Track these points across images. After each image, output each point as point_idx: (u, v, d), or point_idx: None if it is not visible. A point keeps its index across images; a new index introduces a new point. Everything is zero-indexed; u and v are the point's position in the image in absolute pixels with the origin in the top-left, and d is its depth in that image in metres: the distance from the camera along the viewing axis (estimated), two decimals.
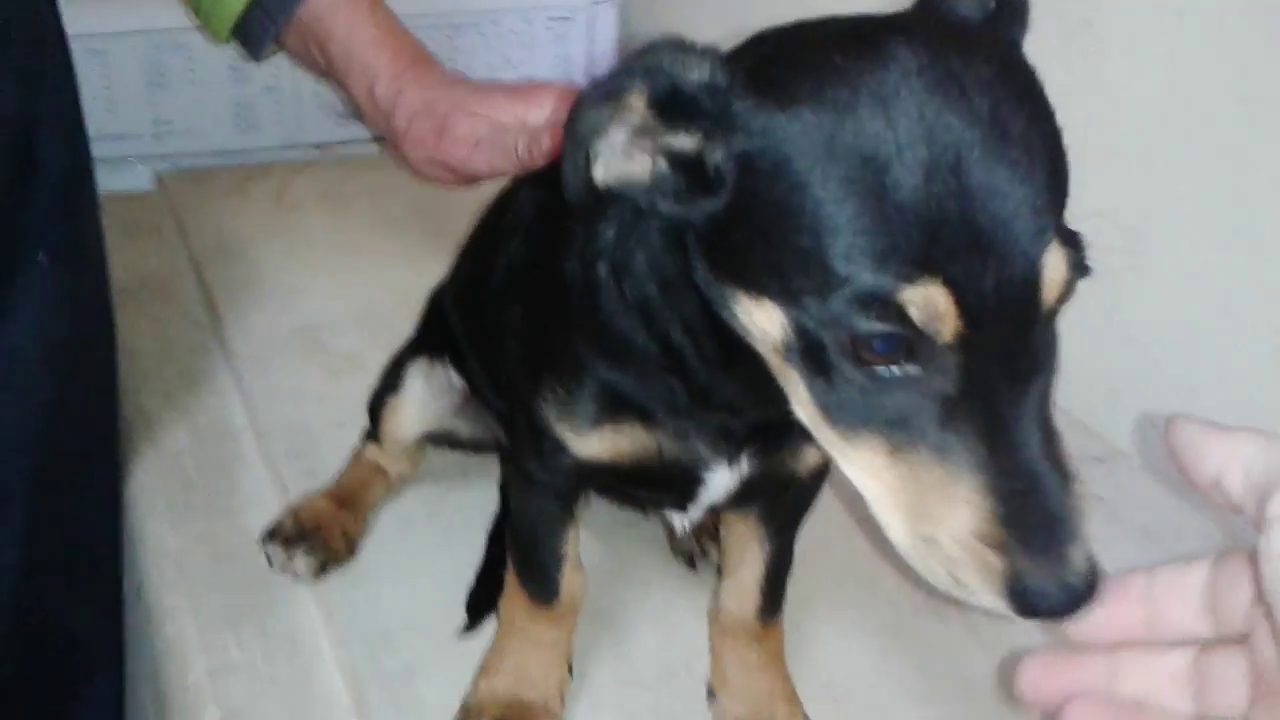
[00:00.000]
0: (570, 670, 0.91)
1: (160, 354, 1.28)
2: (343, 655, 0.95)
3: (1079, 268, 0.52)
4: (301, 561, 0.99)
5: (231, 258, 1.44)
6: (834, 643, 0.98)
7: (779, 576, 0.87)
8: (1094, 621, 0.51)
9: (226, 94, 1.77)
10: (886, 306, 0.49)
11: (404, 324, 1.12)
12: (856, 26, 0.56)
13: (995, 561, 0.50)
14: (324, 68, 1.13)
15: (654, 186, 0.57)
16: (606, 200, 0.59)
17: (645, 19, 1.88)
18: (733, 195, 0.54)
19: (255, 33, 1.12)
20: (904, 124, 0.50)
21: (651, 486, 0.82)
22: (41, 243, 0.93)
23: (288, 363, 1.27)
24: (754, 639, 0.88)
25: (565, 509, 0.83)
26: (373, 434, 1.08)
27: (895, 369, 0.51)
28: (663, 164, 0.57)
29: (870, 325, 0.50)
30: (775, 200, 0.52)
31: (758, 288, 0.55)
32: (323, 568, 1.00)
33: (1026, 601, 0.50)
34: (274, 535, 1.01)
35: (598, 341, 0.70)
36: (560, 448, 0.75)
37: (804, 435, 0.58)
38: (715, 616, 0.91)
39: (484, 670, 0.90)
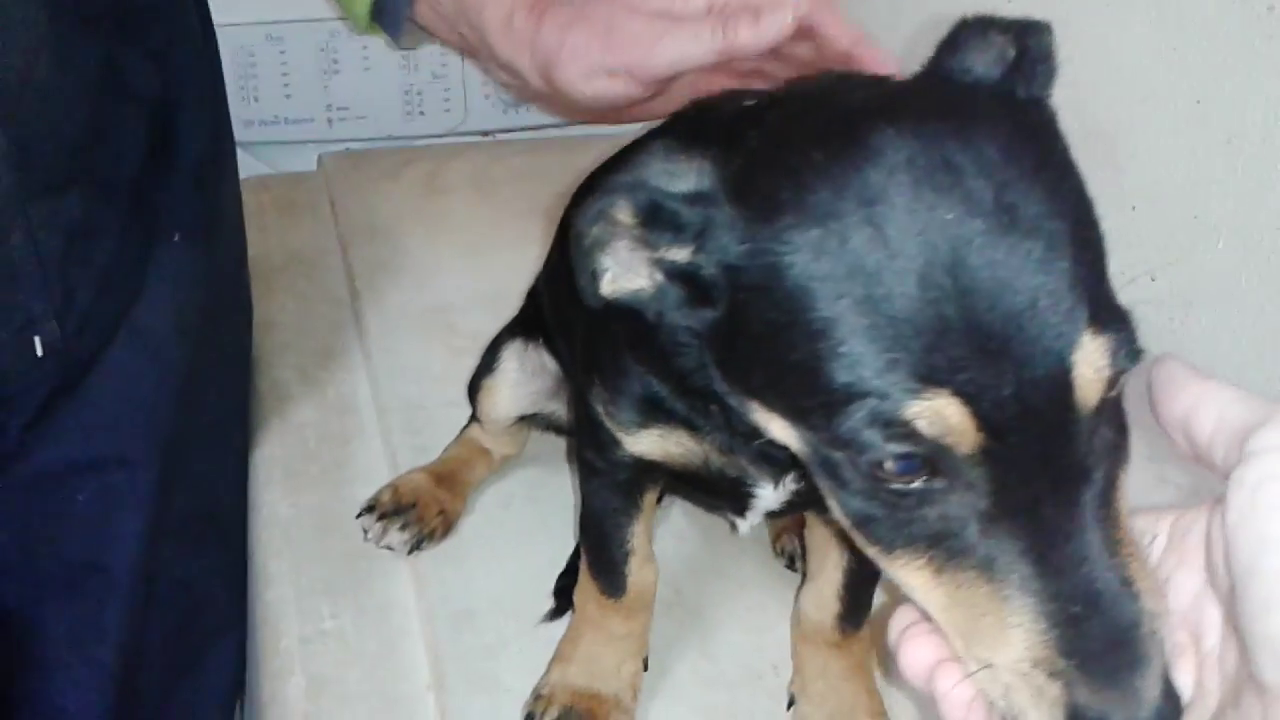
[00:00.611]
0: (646, 665, 0.88)
1: (299, 329, 1.31)
2: (428, 631, 0.95)
3: (1127, 354, 0.45)
4: (395, 536, 1.00)
5: (376, 238, 1.47)
6: None
7: (860, 585, 0.81)
8: None
9: (396, 81, 1.81)
10: (894, 425, 0.45)
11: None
12: (845, 114, 0.50)
13: (1054, 692, 0.43)
14: (460, 30, 1.10)
15: (657, 297, 0.54)
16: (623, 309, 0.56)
17: None
18: (728, 307, 0.51)
19: (390, 7, 1.11)
20: (893, 226, 0.45)
21: (705, 490, 0.78)
22: (177, 222, 0.96)
23: (415, 340, 1.28)
24: (835, 646, 0.83)
25: (630, 502, 0.80)
26: (473, 409, 1.07)
27: (921, 484, 0.45)
28: (660, 276, 0.54)
29: (880, 447, 0.45)
30: (767, 316, 0.49)
31: (766, 403, 0.50)
32: (418, 544, 1.01)
33: None
34: (372, 509, 1.02)
35: (642, 352, 0.67)
36: (615, 441, 0.73)
37: None
38: (797, 621, 0.86)
39: (558, 658, 0.88)
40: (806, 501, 0.73)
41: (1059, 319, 0.44)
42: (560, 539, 1.02)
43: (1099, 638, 0.43)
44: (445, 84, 1.81)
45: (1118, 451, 0.47)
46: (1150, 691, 0.43)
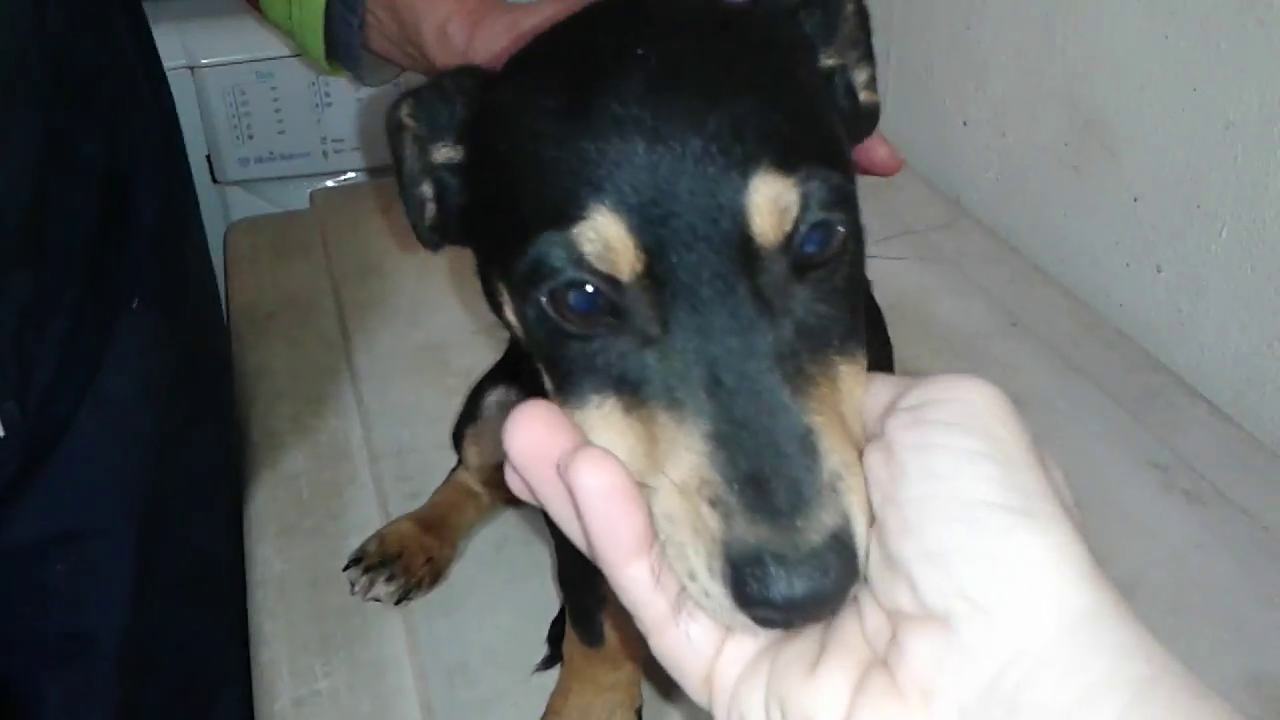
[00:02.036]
0: (640, 715, 0.87)
1: (293, 375, 1.31)
2: (422, 687, 0.93)
3: (826, 206, 0.45)
4: (382, 588, 0.99)
5: (369, 275, 1.46)
6: None
7: None
8: None
9: None
10: (562, 249, 0.45)
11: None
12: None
13: (713, 525, 0.42)
14: (407, 50, 1.10)
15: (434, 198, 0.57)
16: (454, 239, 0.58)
17: None
18: (468, 187, 0.54)
19: (343, 37, 1.10)
20: (576, 74, 0.48)
21: None
22: (135, 289, 0.95)
23: (408, 381, 1.27)
24: None
25: None
26: (458, 457, 1.06)
27: (601, 326, 0.46)
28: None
29: (554, 277, 0.45)
30: (485, 179, 0.52)
31: (499, 276, 0.50)
32: (406, 594, 0.99)
33: (744, 580, 0.41)
34: (358, 561, 1.01)
35: None
36: None
37: None
38: None
39: (549, 712, 0.87)
40: None
41: (736, 157, 0.44)
42: (553, 583, 1.00)
43: (767, 476, 0.42)
44: None
45: (835, 329, 0.46)
46: (811, 535, 0.41)
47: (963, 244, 1.49)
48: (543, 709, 0.89)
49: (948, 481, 0.40)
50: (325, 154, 1.84)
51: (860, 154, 0.84)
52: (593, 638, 0.81)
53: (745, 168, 0.44)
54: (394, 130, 0.56)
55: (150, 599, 1.00)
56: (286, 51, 1.76)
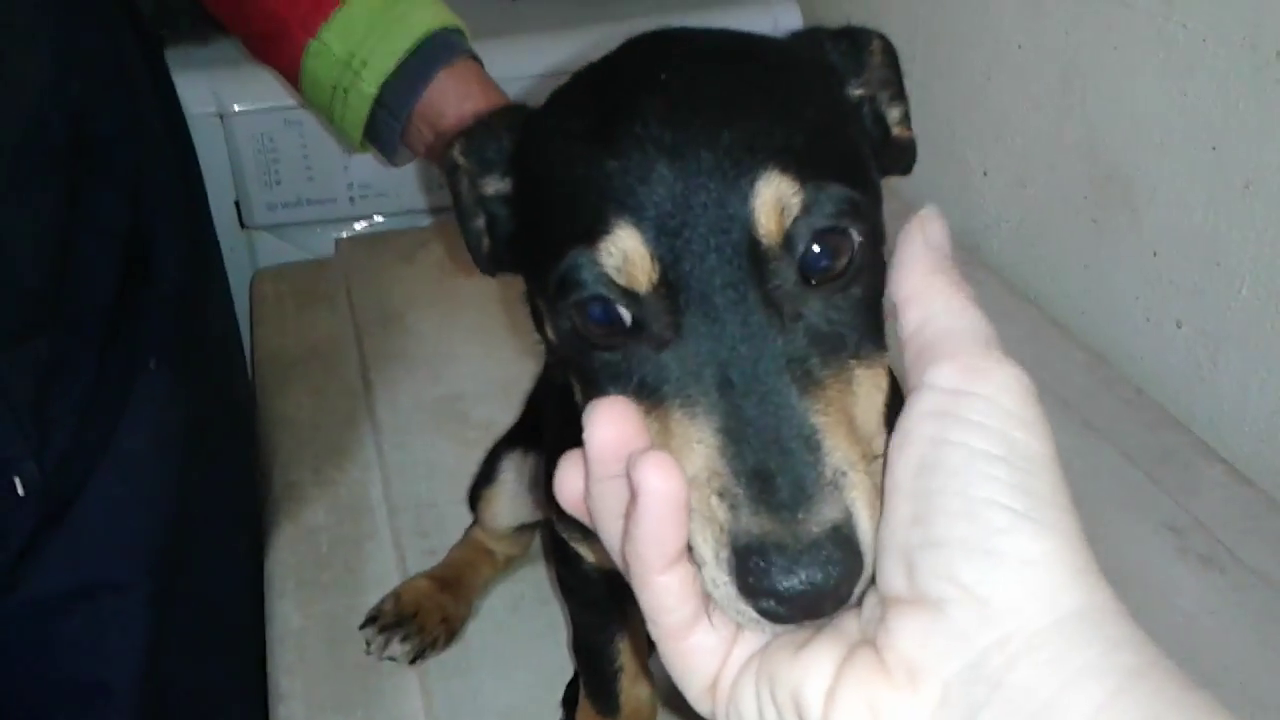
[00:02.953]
0: None
1: (315, 426, 1.32)
2: None
3: (830, 212, 0.47)
4: (397, 648, 1.00)
5: (391, 326, 1.48)
6: None
7: None
8: None
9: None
10: (589, 269, 0.47)
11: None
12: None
13: (721, 516, 0.43)
14: (439, 152, 1.14)
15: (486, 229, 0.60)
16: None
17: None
18: (514, 218, 0.57)
19: (384, 134, 1.13)
20: (604, 100, 0.51)
21: None
22: (154, 350, 0.97)
23: (427, 433, 1.29)
24: None
25: (609, 620, 0.79)
26: (474, 516, 1.07)
27: (621, 336, 0.48)
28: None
29: (578, 291, 0.48)
30: (527, 205, 0.55)
31: (539, 294, 0.53)
32: (420, 653, 1.00)
33: (749, 572, 0.42)
34: (374, 620, 1.02)
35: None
36: (577, 555, 0.72)
37: None
38: None
39: None
40: None
41: (745, 167, 0.47)
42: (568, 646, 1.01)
43: (772, 471, 0.43)
44: None
45: (851, 336, 0.48)
46: (811, 526, 0.42)
47: (980, 294, 1.48)
48: None
49: (959, 478, 0.41)
50: (351, 199, 1.86)
51: None
52: (609, 709, 0.82)
53: (753, 174, 0.46)
54: (450, 170, 0.60)
55: (166, 649, 1.01)
56: None
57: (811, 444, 0.44)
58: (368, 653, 1.01)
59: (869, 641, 0.42)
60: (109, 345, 0.91)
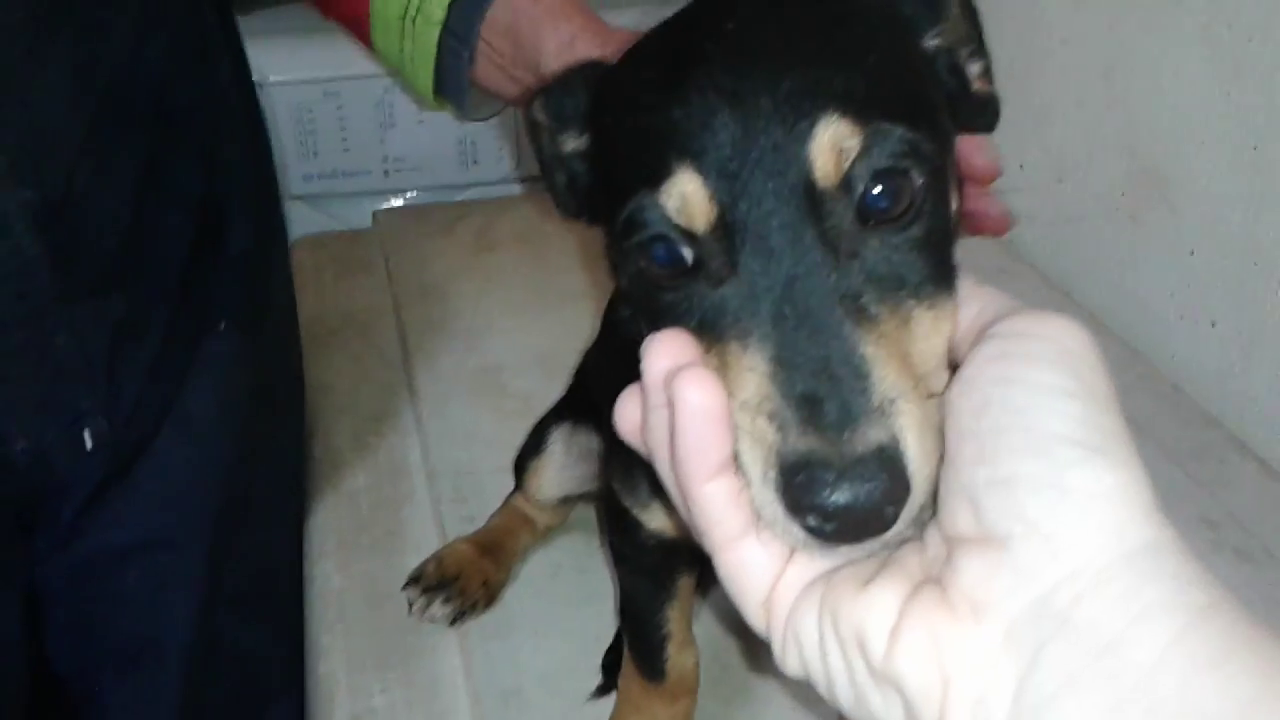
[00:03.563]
0: None
1: (354, 392, 1.34)
2: (477, 710, 0.95)
3: (892, 153, 0.48)
4: (439, 609, 1.01)
5: (429, 296, 1.49)
6: None
7: None
8: None
9: (451, 132, 1.84)
10: (652, 211, 0.49)
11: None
12: None
13: (770, 438, 0.45)
14: (515, 75, 1.12)
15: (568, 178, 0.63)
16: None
17: None
18: (590, 159, 0.60)
19: (452, 70, 1.12)
20: (673, 51, 0.52)
21: None
22: (223, 312, 0.99)
23: (466, 403, 1.30)
24: None
25: (660, 586, 0.80)
26: (518, 485, 1.08)
27: (682, 277, 0.49)
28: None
29: (642, 232, 0.50)
30: (604, 149, 0.57)
31: (612, 243, 0.54)
32: (460, 615, 1.02)
33: (794, 489, 0.43)
34: (416, 581, 1.04)
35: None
36: (638, 524, 0.74)
37: None
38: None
39: None
40: None
41: (804, 110, 0.48)
42: (608, 610, 1.02)
43: (821, 396, 0.44)
44: (498, 133, 1.84)
45: (911, 277, 0.48)
46: (856, 446, 0.43)
47: (1016, 289, 1.49)
48: None
49: (1026, 415, 0.41)
50: (386, 173, 1.87)
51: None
52: (655, 673, 0.83)
53: (811, 118, 0.47)
54: (532, 127, 0.62)
55: (217, 608, 1.03)
56: (354, 72, 1.80)
57: (861, 372, 0.45)
58: (410, 613, 1.03)
59: (934, 580, 0.43)
60: (180, 306, 0.93)
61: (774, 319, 0.46)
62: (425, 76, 1.08)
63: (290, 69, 1.79)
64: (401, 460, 1.24)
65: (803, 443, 0.43)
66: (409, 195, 1.90)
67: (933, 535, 0.45)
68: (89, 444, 0.87)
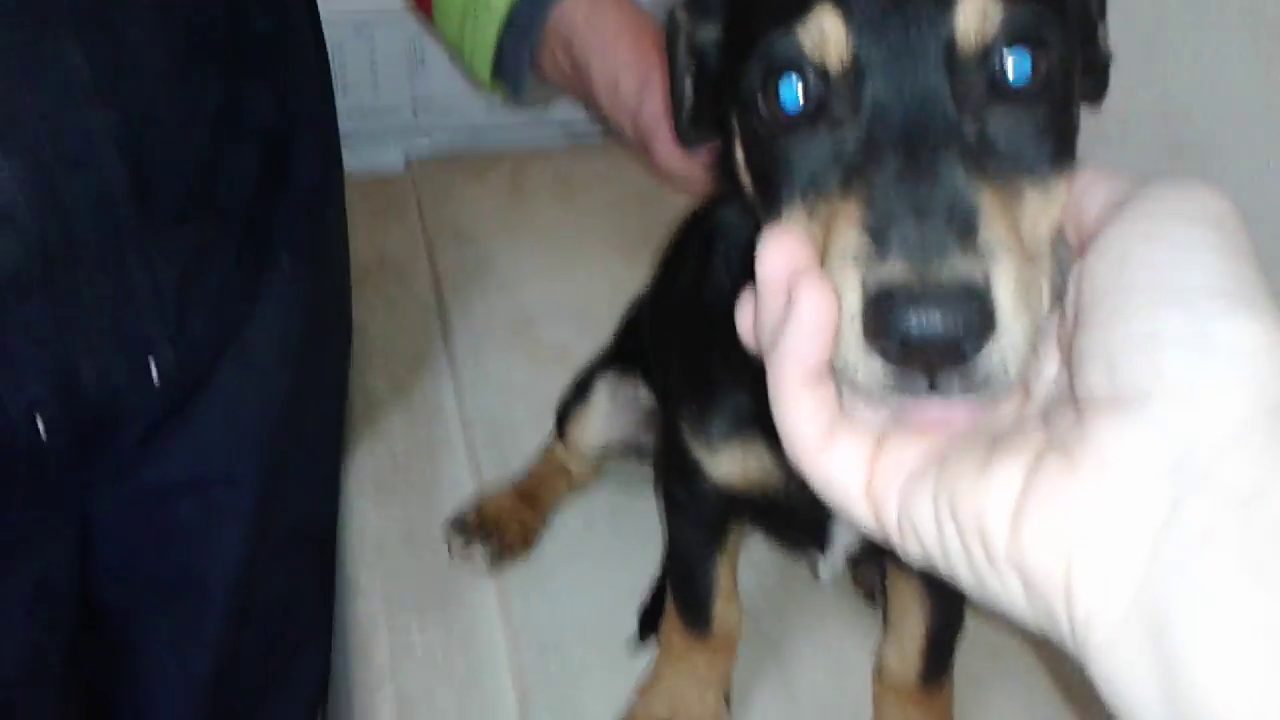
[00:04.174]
0: (728, 702, 0.90)
1: (389, 335, 1.34)
2: (514, 655, 0.97)
3: (1027, 36, 0.48)
4: (478, 552, 1.03)
5: (463, 243, 1.49)
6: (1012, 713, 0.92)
7: (942, 642, 0.82)
8: None
9: None
10: (785, 43, 0.49)
11: (614, 318, 1.12)
12: None
13: (859, 270, 0.44)
14: (575, 83, 1.12)
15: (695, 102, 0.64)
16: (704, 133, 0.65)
17: None
18: (724, 43, 0.60)
19: (512, 60, 1.12)
20: None
21: (783, 523, 0.80)
22: (286, 248, 0.99)
23: (500, 351, 1.31)
24: (916, 701, 0.84)
25: (713, 539, 0.82)
26: (560, 433, 1.09)
27: (805, 117, 0.49)
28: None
29: (773, 68, 0.50)
30: (738, 20, 0.57)
31: (731, 106, 0.55)
32: (499, 558, 1.04)
33: (875, 314, 0.43)
34: (456, 525, 1.05)
35: (729, 362, 0.70)
36: (698, 469, 0.75)
37: None
38: (878, 671, 0.87)
39: (641, 691, 0.90)
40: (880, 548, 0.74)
41: None
42: (642, 564, 1.03)
43: (922, 241, 0.43)
44: (530, 77, 1.83)
45: (1029, 156, 0.48)
46: (943, 275, 0.42)
47: None
48: (629, 686, 0.92)
49: (1168, 270, 0.40)
50: (415, 113, 1.86)
51: None
52: (700, 625, 0.85)
53: None
54: (671, 33, 0.63)
55: (262, 548, 1.04)
56: (385, 8, 1.78)
57: (968, 222, 0.44)
58: (450, 555, 1.04)
59: (1059, 448, 0.41)
60: (246, 239, 0.93)
61: (888, 165, 0.46)
62: (484, 63, 1.08)
63: (323, 4, 1.78)
64: (436, 405, 1.25)
65: (889, 272, 0.43)
66: (435, 137, 1.89)
67: (1061, 409, 0.43)
68: (155, 374, 0.87)
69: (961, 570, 0.43)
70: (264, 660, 1.10)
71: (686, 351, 0.77)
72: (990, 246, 0.43)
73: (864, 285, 0.43)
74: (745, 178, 0.55)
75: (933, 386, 0.43)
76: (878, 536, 0.46)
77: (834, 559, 0.79)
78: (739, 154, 0.55)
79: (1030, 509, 0.40)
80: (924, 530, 0.43)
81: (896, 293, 0.42)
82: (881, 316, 0.42)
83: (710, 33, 0.61)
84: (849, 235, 0.45)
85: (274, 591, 1.08)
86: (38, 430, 0.83)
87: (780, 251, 0.46)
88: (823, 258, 0.46)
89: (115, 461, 0.91)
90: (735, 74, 0.53)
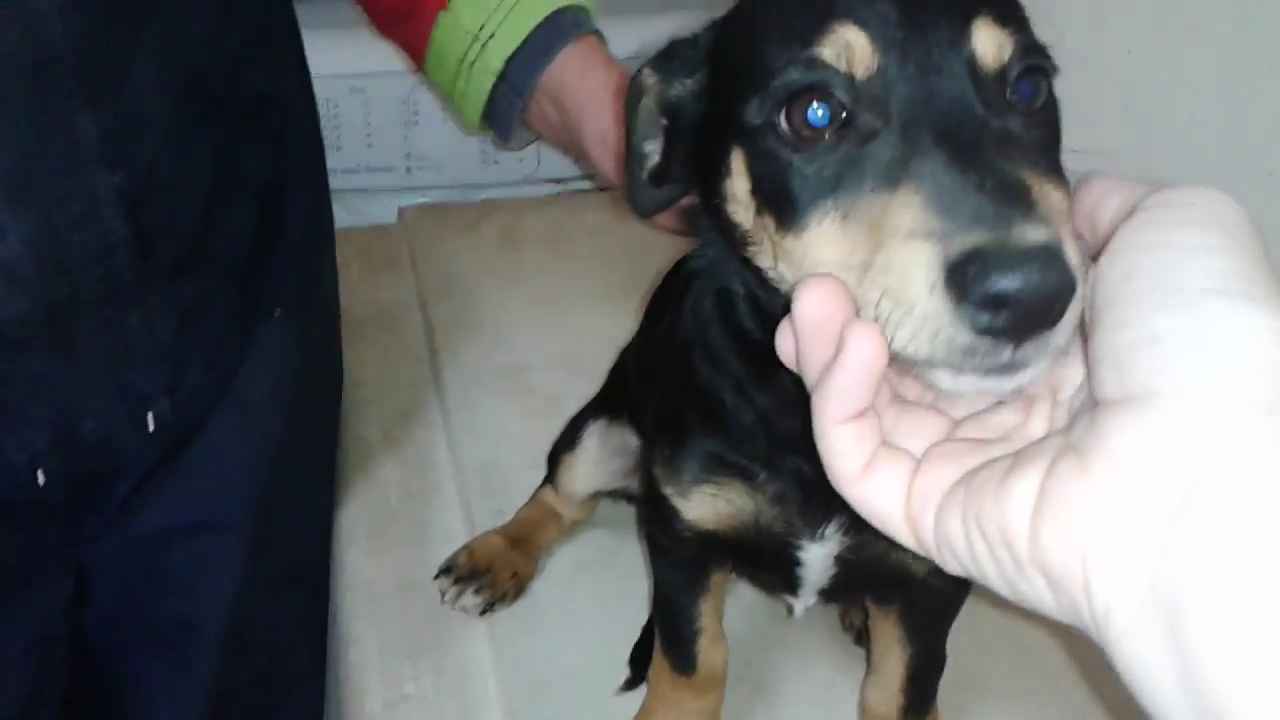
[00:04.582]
0: None
1: (381, 385, 1.36)
2: (506, 698, 0.98)
3: (1036, 59, 0.53)
4: (470, 599, 1.04)
5: (455, 294, 1.51)
6: None
7: (923, 680, 0.84)
8: None
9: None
10: (809, 65, 0.52)
11: (603, 367, 1.15)
12: None
13: (926, 248, 0.44)
14: (564, 134, 1.16)
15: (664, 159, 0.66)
16: (663, 202, 0.69)
17: None
18: (708, 88, 0.62)
19: (503, 111, 1.15)
20: None
21: (756, 564, 0.81)
22: (279, 297, 1.01)
23: (492, 400, 1.32)
24: None
25: (695, 580, 0.83)
26: (550, 479, 1.11)
27: (830, 130, 0.51)
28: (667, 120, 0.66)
29: (796, 81, 0.52)
30: (734, 54, 0.59)
31: (730, 144, 0.57)
32: (490, 606, 1.05)
33: (964, 276, 0.42)
34: (448, 571, 1.06)
35: (699, 407, 0.73)
36: (675, 513, 0.77)
37: None
38: (861, 708, 0.88)
39: None
40: (861, 578, 0.77)
41: (959, 6, 0.52)
42: (634, 606, 1.05)
43: (987, 210, 0.44)
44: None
45: (1040, 160, 0.49)
46: (1028, 236, 0.43)
47: None
48: None
49: (1174, 275, 0.41)
50: (409, 170, 1.89)
51: None
52: (686, 666, 0.86)
53: (968, 15, 0.52)
54: (634, 97, 0.65)
55: (253, 592, 1.05)
56: (380, 69, 1.82)
57: (1026, 196, 0.45)
58: (442, 602, 1.05)
59: (1073, 449, 0.42)
60: (242, 291, 0.95)
61: (935, 157, 0.47)
62: (474, 113, 1.12)
63: (318, 64, 1.80)
64: (429, 454, 1.27)
65: (970, 239, 0.43)
66: (428, 193, 1.92)
67: (1083, 415, 0.44)
68: (151, 425, 0.89)
69: (993, 577, 0.44)
70: (256, 704, 1.10)
71: (662, 397, 0.79)
72: (1051, 216, 0.44)
73: (945, 255, 0.43)
74: (744, 213, 0.57)
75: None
76: (920, 553, 0.47)
77: (805, 598, 0.81)
78: (739, 188, 0.57)
79: (1046, 512, 0.41)
80: (957, 546, 0.45)
81: (989, 254, 0.42)
82: (974, 278, 0.42)
83: (686, 86, 0.63)
84: (912, 216, 0.46)
85: (265, 636, 1.09)
86: (37, 480, 0.85)
87: (819, 294, 0.47)
88: (858, 264, 0.48)
89: (110, 508, 0.93)
90: (733, 111, 0.56)
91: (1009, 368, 0.44)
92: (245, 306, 0.96)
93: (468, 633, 1.05)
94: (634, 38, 1.63)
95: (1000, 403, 0.49)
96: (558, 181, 1.88)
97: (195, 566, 1.00)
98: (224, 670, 1.06)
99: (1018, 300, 0.42)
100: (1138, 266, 0.42)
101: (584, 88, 1.05)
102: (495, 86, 1.07)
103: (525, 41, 1.05)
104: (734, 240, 0.60)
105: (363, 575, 1.12)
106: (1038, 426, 0.48)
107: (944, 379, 0.46)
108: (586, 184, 1.82)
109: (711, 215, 0.62)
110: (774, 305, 0.62)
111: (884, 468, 0.47)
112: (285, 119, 1.00)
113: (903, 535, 0.47)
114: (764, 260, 0.58)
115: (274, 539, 1.05)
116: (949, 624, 0.83)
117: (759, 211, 0.56)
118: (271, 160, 0.97)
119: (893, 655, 0.83)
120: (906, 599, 0.81)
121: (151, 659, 1.05)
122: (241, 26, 0.90)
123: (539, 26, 1.06)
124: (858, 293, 0.47)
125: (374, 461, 1.26)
